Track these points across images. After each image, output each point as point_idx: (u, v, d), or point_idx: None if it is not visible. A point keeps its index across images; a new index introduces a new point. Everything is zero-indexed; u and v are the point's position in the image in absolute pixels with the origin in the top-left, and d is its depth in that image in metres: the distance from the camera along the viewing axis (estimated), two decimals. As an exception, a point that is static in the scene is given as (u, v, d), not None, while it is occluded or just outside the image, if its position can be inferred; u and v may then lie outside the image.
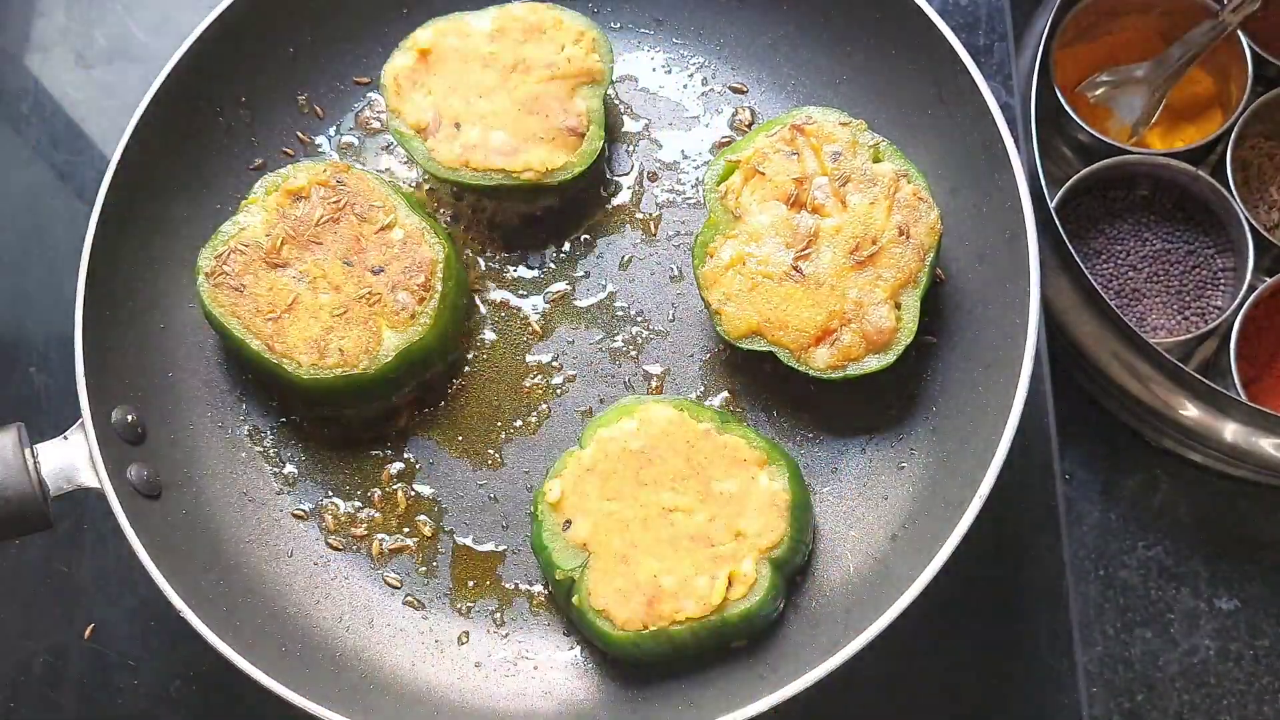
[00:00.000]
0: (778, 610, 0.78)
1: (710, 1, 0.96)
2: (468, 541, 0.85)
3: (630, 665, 0.79)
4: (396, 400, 0.88)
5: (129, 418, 0.82)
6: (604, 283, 0.91)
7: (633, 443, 0.79)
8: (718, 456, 0.78)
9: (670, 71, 0.96)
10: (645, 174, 0.93)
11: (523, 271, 0.92)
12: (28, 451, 0.77)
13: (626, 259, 0.91)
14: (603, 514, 0.77)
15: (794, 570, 0.80)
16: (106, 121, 1.07)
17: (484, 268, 0.91)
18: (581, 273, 0.91)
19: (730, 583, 0.75)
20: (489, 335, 0.90)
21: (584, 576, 0.76)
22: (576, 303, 0.90)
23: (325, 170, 0.87)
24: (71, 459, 0.78)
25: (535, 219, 0.92)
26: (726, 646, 0.78)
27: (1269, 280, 0.97)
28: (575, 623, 0.79)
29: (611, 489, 0.78)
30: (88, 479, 0.78)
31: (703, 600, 0.74)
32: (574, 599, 0.76)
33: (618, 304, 0.90)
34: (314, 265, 0.84)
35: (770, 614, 0.77)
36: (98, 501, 0.77)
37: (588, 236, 0.92)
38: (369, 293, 0.84)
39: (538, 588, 0.84)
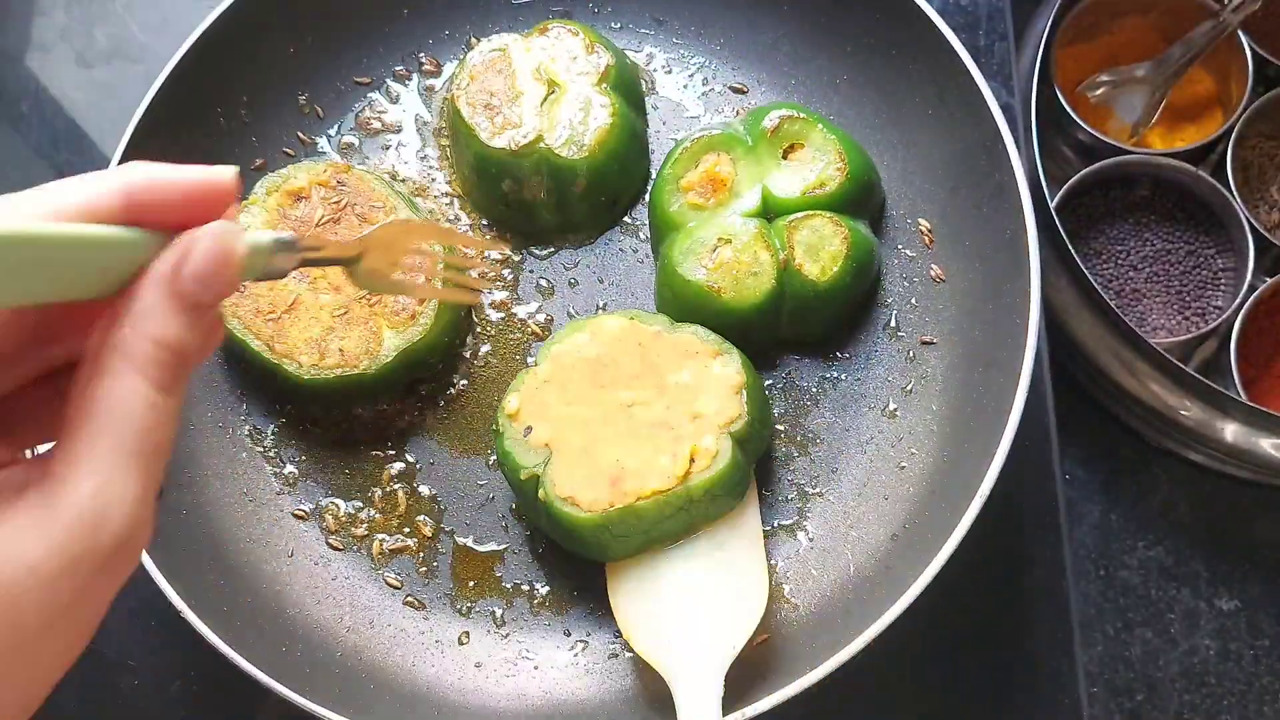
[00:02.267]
0: (743, 490, 0.79)
1: (710, 1, 0.96)
2: (468, 541, 0.85)
3: (599, 554, 0.78)
4: (397, 401, 0.88)
5: (129, 418, 0.82)
6: (600, 286, 0.91)
7: (586, 351, 0.80)
8: (670, 352, 0.80)
9: (670, 71, 0.96)
10: (645, 174, 0.93)
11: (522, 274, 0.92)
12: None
13: (625, 264, 0.91)
14: (562, 417, 0.79)
15: (756, 451, 0.81)
16: (106, 121, 1.07)
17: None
18: (579, 276, 0.91)
19: (693, 459, 0.76)
20: (489, 335, 0.90)
21: (547, 471, 0.77)
22: (572, 306, 0.90)
23: (325, 171, 0.87)
24: (71, 459, 0.78)
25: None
26: (696, 529, 0.77)
27: (1269, 280, 0.97)
28: (545, 524, 0.80)
29: (570, 395, 0.79)
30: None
31: (666, 474, 0.76)
32: (539, 494, 0.77)
33: (613, 308, 0.90)
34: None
35: (735, 489, 0.78)
36: (98, 501, 0.77)
37: (586, 239, 0.92)
38: (368, 295, 0.84)
39: (538, 588, 0.84)
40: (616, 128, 0.88)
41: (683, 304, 0.84)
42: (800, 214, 0.84)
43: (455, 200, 0.93)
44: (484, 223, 0.92)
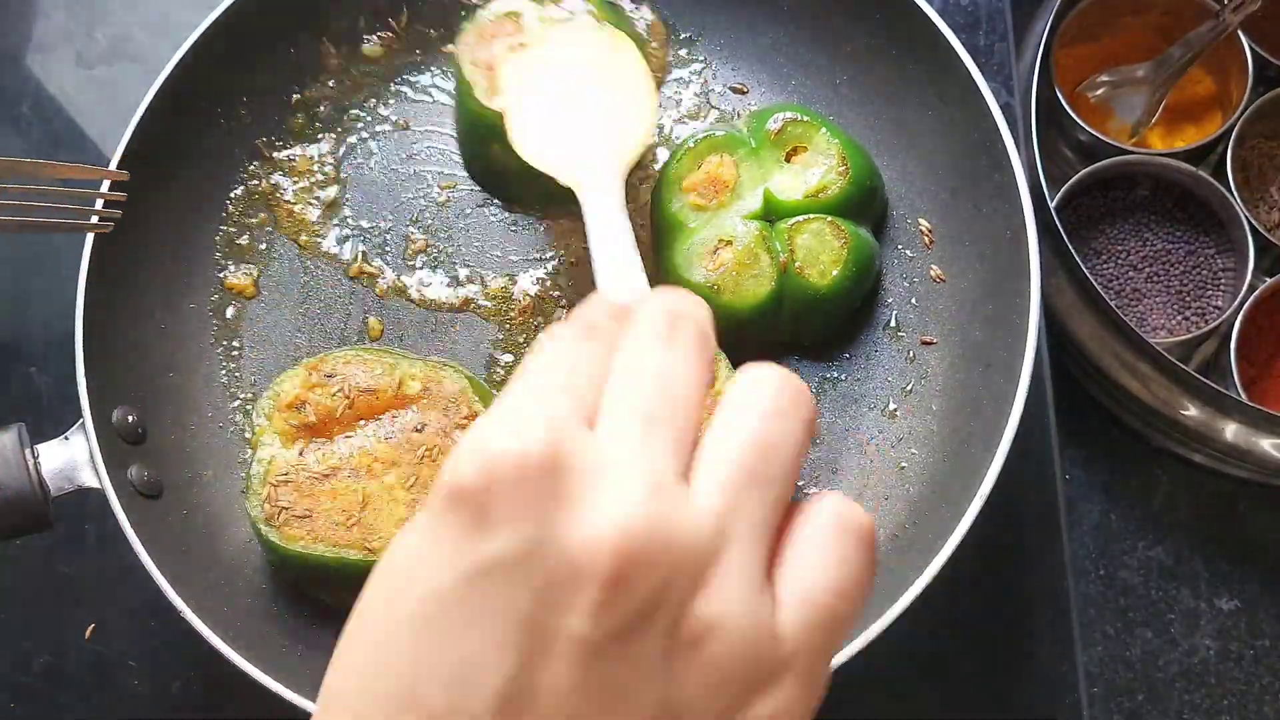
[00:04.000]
0: None
1: (710, 1, 0.96)
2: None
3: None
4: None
5: (129, 418, 0.82)
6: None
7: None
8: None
9: (670, 71, 0.96)
10: (644, 176, 0.93)
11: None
12: (28, 452, 0.77)
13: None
14: None
15: None
16: (106, 121, 1.07)
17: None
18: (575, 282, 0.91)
19: None
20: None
21: None
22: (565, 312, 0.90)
23: (308, 373, 0.83)
24: (72, 459, 0.78)
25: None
26: None
27: (1269, 280, 0.97)
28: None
29: None
30: (88, 479, 0.77)
31: None
32: None
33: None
34: (360, 456, 0.81)
35: None
36: (98, 501, 0.77)
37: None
38: (425, 451, 0.81)
39: (538, 588, 0.84)
40: None
41: None
42: (802, 217, 0.84)
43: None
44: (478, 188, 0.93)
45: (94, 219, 0.80)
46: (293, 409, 0.82)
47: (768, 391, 0.39)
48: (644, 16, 0.96)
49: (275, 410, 0.82)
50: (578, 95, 0.83)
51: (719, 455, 0.38)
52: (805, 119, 0.87)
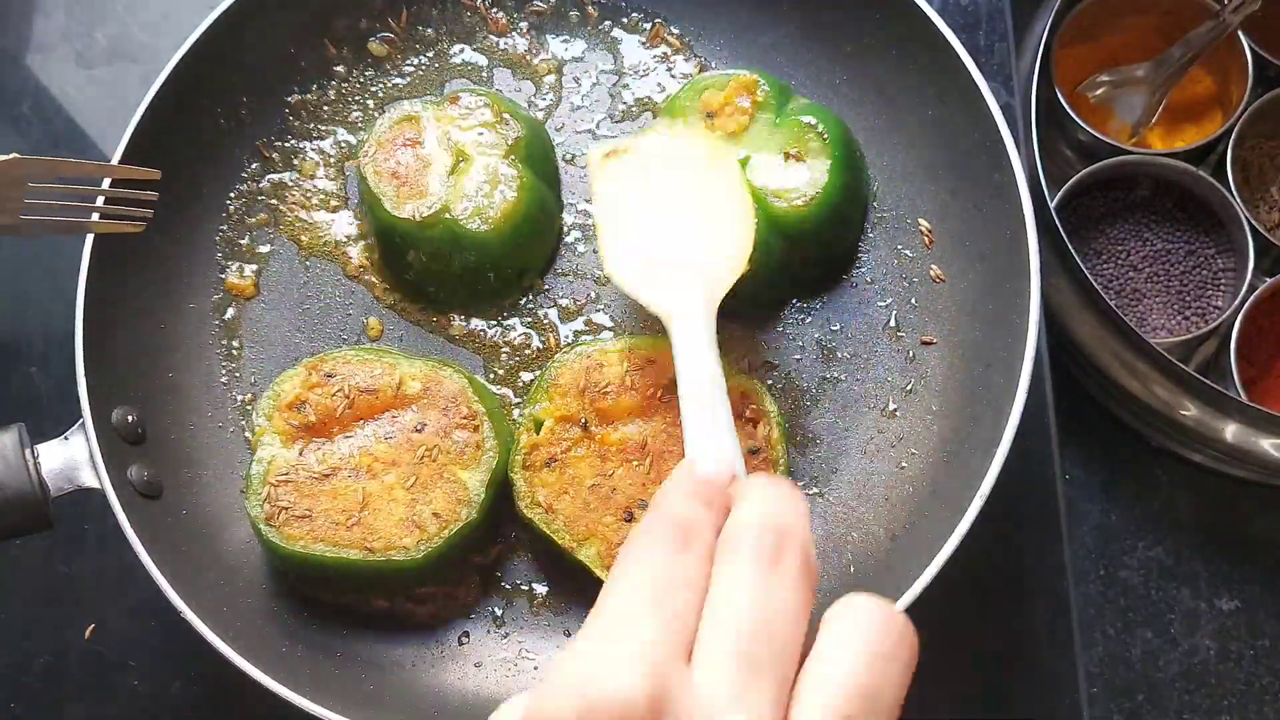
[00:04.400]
0: None
1: (710, 2, 0.96)
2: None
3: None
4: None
5: (129, 418, 0.82)
6: (594, 293, 0.91)
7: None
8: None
9: (671, 70, 0.96)
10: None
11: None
12: (28, 451, 0.77)
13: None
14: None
15: None
16: (106, 121, 1.07)
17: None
18: (571, 294, 0.91)
19: None
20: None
21: None
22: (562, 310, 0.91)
23: (308, 373, 0.83)
24: (72, 459, 0.78)
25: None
26: None
27: (1269, 280, 0.97)
28: None
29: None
30: (88, 479, 0.77)
31: None
32: None
33: (603, 319, 0.90)
34: (360, 456, 0.81)
35: None
36: (98, 501, 0.77)
37: (580, 249, 0.92)
38: (426, 451, 0.81)
39: (538, 588, 0.84)
40: (524, 201, 0.86)
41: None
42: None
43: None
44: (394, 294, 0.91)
45: (126, 219, 0.80)
46: (293, 409, 0.81)
47: (874, 629, 0.38)
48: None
49: (275, 410, 0.82)
50: (673, 214, 0.78)
51: (823, 700, 0.36)
52: (825, 137, 0.86)
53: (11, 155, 0.73)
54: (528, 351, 0.89)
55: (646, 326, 0.87)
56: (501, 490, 0.82)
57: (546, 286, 0.90)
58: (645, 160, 0.80)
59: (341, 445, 0.81)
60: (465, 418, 0.81)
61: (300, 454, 0.81)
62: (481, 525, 0.81)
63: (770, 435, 0.80)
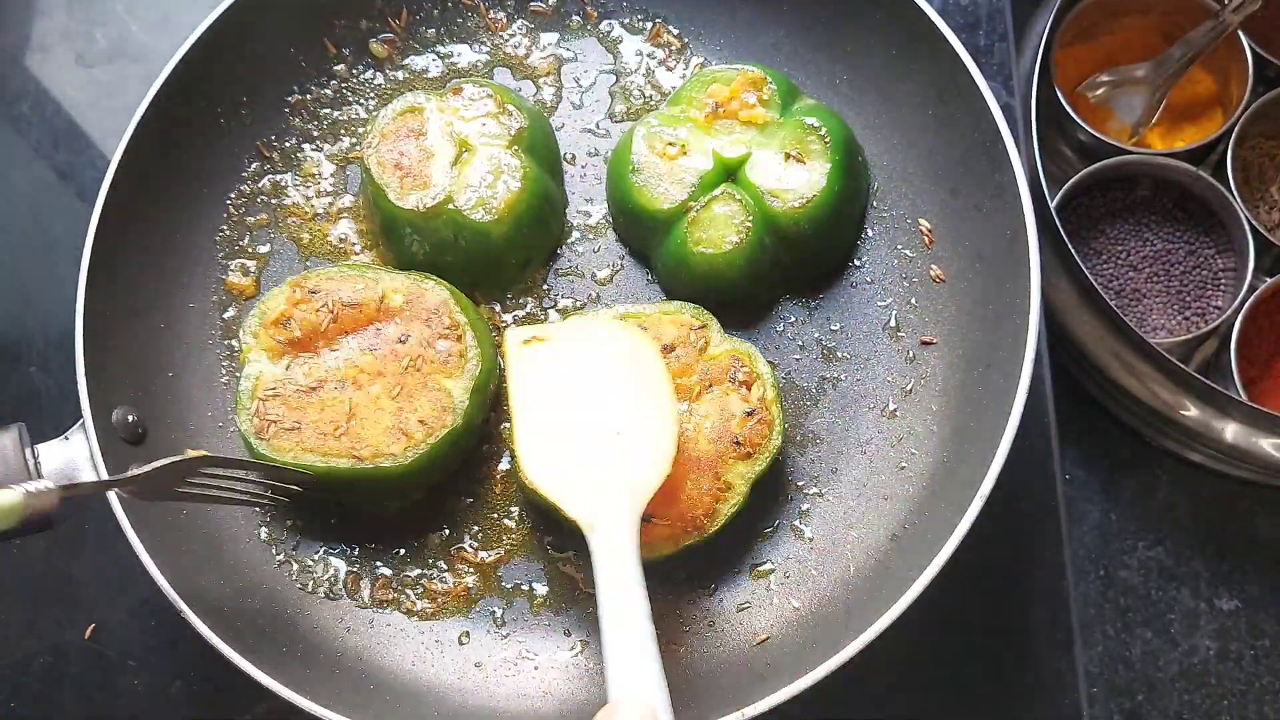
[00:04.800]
0: None
1: (710, 1, 0.96)
2: (468, 543, 0.85)
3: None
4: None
5: (129, 418, 0.82)
6: (594, 293, 0.91)
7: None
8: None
9: (671, 69, 0.96)
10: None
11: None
12: (28, 451, 0.77)
13: (614, 271, 0.91)
14: None
15: None
16: (106, 121, 1.07)
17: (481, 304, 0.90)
18: (571, 294, 0.91)
19: None
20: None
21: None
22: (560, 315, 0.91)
23: (292, 290, 0.84)
24: (72, 459, 0.78)
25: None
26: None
27: (1269, 280, 0.97)
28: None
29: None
30: (88, 479, 0.77)
31: None
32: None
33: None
34: (346, 368, 0.82)
35: None
36: (98, 501, 0.77)
37: (580, 248, 0.92)
38: (410, 360, 0.82)
39: (538, 588, 0.84)
40: (527, 191, 0.86)
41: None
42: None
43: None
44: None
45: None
46: (278, 325, 0.83)
47: None
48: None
49: (261, 327, 0.83)
50: (594, 412, 0.75)
51: None
52: (828, 142, 0.86)
53: (200, 453, 0.75)
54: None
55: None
56: (486, 399, 0.84)
57: (547, 287, 0.90)
58: (564, 349, 0.78)
59: (327, 359, 0.82)
60: (448, 328, 0.83)
61: (287, 369, 0.82)
62: (466, 432, 0.82)
63: (765, 396, 0.81)
